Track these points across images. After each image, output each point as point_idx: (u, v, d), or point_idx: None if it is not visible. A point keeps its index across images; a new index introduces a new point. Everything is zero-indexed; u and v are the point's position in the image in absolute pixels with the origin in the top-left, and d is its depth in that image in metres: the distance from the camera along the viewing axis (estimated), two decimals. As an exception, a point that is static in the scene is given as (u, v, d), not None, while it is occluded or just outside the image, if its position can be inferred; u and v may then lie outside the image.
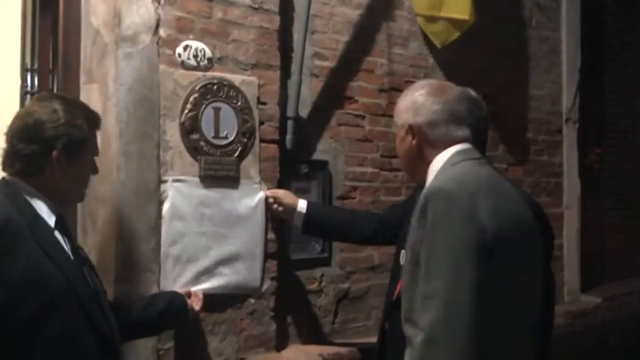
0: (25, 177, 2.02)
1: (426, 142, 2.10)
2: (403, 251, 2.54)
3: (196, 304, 2.69)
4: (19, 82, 3.03)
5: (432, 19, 3.72)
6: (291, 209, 2.98)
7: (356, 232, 3.04)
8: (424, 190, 1.95)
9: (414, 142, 2.11)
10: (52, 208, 2.04)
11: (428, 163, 2.10)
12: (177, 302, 2.59)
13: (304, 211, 2.96)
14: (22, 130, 2.01)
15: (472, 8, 3.71)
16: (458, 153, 2.06)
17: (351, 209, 3.47)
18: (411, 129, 2.11)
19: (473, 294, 1.78)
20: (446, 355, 1.77)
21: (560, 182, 4.86)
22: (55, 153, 2.01)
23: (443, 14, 3.65)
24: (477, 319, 1.77)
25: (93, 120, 2.15)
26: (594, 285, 5.24)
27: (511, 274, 1.89)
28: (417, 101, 2.11)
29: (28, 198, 2.00)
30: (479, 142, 2.16)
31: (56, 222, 2.04)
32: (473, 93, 2.29)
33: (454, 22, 3.72)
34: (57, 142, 2.01)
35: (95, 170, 2.21)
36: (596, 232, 5.39)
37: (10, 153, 2.02)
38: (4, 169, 2.06)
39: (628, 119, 5.88)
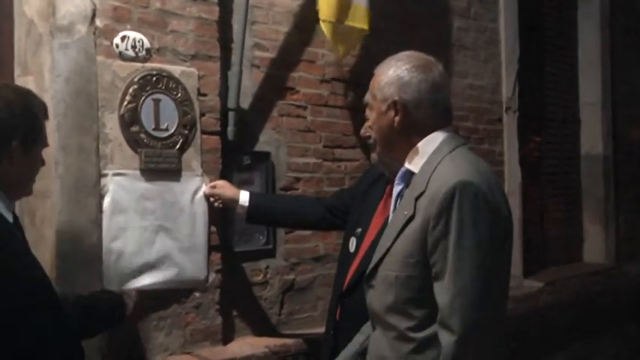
0: None
1: (410, 122, 2.01)
2: (353, 238, 2.59)
3: (131, 300, 2.57)
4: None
5: (337, 27, 3.46)
6: (233, 201, 2.96)
7: (301, 218, 3.04)
8: (444, 183, 1.85)
9: (396, 118, 2.02)
10: (8, 204, 1.96)
11: (411, 144, 2.03)
12: (114, 302, 2.45)
13: (246, 203, 2.93)
14: None
15: (369, 18, 3.58)
16: (450, 137, 2.02)
17: (296, 196, 3.48)
18: (395, 105, 2.01)
19: (502, 290, 1.89)
20: (479, 354, 1.82)
21: (502, 170, 4.92)
22: (13, 144, 1.92)
23: (348, 23, 3.47)
24: (503, 312, 1.90)
25: (44, 110, 2.08)
26: (536, 270, 5.34)
27: (510, 257, 1.99)
28: (403, 76, 2.01)
29: None
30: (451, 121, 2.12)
31: (14, 219, 1.98)
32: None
33: (356, 32, 3.57)
34: (16, 132, 1.93)
35: (43, 162, 2.13)
36: (536, 219, 5.50)
37: None
38: None
39: (566, 107, 6.00)
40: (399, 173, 2.07)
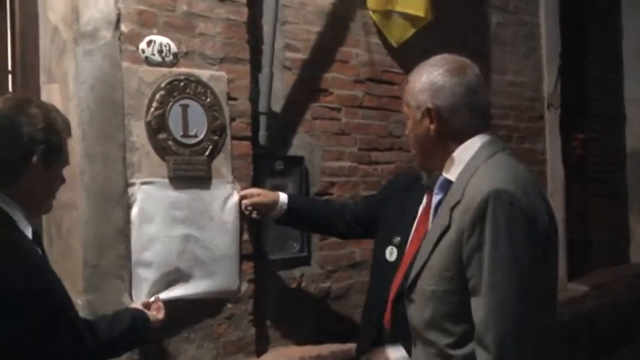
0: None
1: (446, 129, 1.94)
2: (392, 247, 2.53)
3: (159, 313, 2.54)
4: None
5: (386, 15, 3.50)
6: (272, 205, 2.87)
7: (327, 225, 2.98)
8: (479, 192, 1.78)
9: (432, 126, 1.95)
10: (28, 220, 1.93)
11: (448, 152, 1.95)
12: (139, 320, 2.40)
13: (285, 206, 2.86)
14: None
15: (428, 5, 3.53)
16: (488, 143, 1.93)
17: (325, 200, 3.37)
18: (429, 113, 1.94)
19: (539, 304, 1.76)
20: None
21: (544, 170, 4.78)
22: (34, 159, 1.89)
23: (398, 9, 3.43)
24: (547, 324, 1.80)
25: (67, 127, 2.05)
26: (581, 273, 5.17)
27: (554, 268, 1.91)
28: (436, 82, 1.93)
29: (4, 207, 1.88)
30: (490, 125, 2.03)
31: (33, 234, 1.93)
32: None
33: (409, 19, 3.51)
34: (37, 147, 1.89)
35: (63, 180, 2.09)
36: (581, 219, 5.33)
37: None
38: None
39: (611, 103, 5.80)
40: (438, 182, 2.02)
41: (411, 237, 2.45)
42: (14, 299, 1.73)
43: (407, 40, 3.64)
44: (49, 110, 1.97)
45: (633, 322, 5.20)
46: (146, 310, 2.48)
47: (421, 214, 2.43)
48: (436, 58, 2.00)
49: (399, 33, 3.58)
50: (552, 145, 4.83)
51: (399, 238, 2.51)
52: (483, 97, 1.99)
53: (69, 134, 2.06)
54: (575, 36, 5.28)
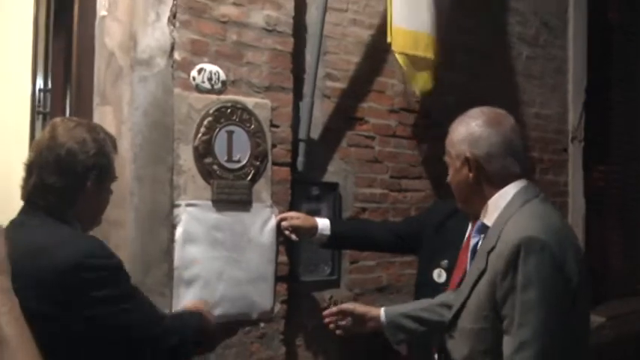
0: (57, 209, 1.97)
1: (484, 177, 2.05)
2: (440, 270, 2.70)
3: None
4: (29, 102, 3.02)
5: (412, 60, 3.36)
6: (311, 230, 2.99)
7: (374, 242, 3.13)
8: (511, 239, 1.88)
9: (471, 174, 2.06)
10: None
11: (486, 198, 2.07)
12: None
13: (328, 231, 2.98)
14: (53, 163, 1.95)
15: (435, 46, 3.41)
16: (523, 190, 2.04)
17: (366, 220, 3.50)
18: (468, 161, 2.06)
19: (573, 345, 1.87)
20: None
21: (566, 201, 4.86)
22: (88, 184, 1.99)
23: (419, 53, 3.34)
24: None
25: (114, 145, 2.14)
26: (597, 304, 5.23)
27: (585, 315, 2.01)
28: (474, 132, 2.05)
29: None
30: (527, 172, 2.14)
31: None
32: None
33: (425, 61, 3.41)
34: (90, 173, 1.99)
35: (111, 191, 2.18)
36: (599, 251, 5.40)
37: (39, 186, 1.95)
38: (30, 202, 1.99)
39: (633, 137, 5.89)
40: (476, 226, 2.15)
41: (457, 265, 2.56)
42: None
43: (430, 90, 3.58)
44: (97, 133, 2.06)
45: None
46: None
47: (464, 246, 2.54)
48: (474, 111, 2.12)
49: (423, 79, 3.50)
50: (575, 177, 4.91)
51: (446, 261, 2.67)
52: (519, 146, 2.09)
53: (116, 152, 2.15)
54: (600, 71, 5.36)
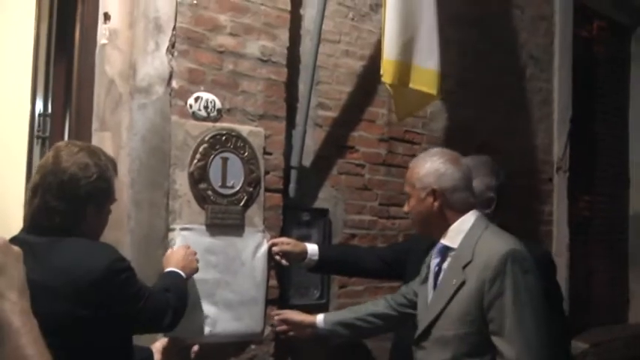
0: (61, 229, 2.06)
1: (446, 205, 2.39)
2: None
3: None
4: (27, 126, 3.09)
5: (401, 90, 3.39)
6: (301, 255, 3.08)
7: (363, 268, 3.25)
8: (495, 252, 2.22)
9: (435, 204, 2.39)
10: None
11: (448, 224, 2.39)
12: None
13: (316, 256, 3.08)
14: (57, 188, 2.05)
15: (439, 83, 3.47)
16: (480, 217, 2.41)
17: (353, 246, 3.59)
18: (434, 193, 2.39)
19: (549, 338, 2.21)
20: None
21: (550, 230, 4.95)
22: (89, 208, 2.10)
23: (412, 86, 3.37)
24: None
25: (114, 167, 2.24)
26: (581, 331, 5.32)
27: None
28: (439, 168, 2.39)
29: None
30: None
31: None
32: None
33: (421, 95, 3.46)
34: (92, 197, 2.10)
35: (110, 211, 2.28)
36: (583, 279, 5.49)
37: (43, 209, 2.05)
38: (34, 222, 2.08)
39: (616, 167, 6.01)
40: (436, 249, 2.45)
41: None
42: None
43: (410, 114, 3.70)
44: (99, 158, 2.16)
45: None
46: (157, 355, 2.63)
47: None
48: (434, 151, 2.51)
49: (407, 109, 3.57)
50: (559, 206, 5.01)
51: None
52: (471, 183, 2.46)
53: (116, 174, 2.25)
54: (584, 101, 5.50)
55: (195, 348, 2.78)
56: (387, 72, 3.31)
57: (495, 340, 2.19)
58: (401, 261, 3.07)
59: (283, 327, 3.09)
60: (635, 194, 6.11)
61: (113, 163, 2.24)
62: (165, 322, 2.30)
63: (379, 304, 2.95)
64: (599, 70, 5.85)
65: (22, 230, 2.11)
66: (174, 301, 2.37)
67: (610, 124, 5.98)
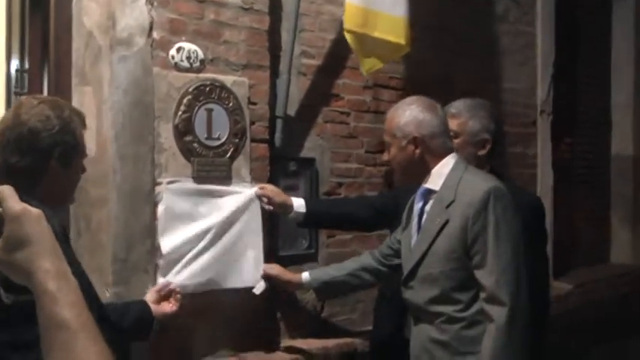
0: (23, 190, 1.97)
1: (427, 151, 2.47)
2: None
3: (173, 305, 2.60)
4: (4, 83, 3.02)
5: (362, 39, 3.24)
6: (283, 207, 3.03)
7: (354, 220, 3.23)
8: (478, 190, 2.32)
9: (417, 151, 2.46)
10: (55, 218, 1.98)
11: (429, 168, 2.48)
12: (146, 314, 2.50)
13: (303, 209, 3.03)
14: (15, 142, 1.93)
15: (408, 33, 3.32)
16: (460, 160, 2.50)
17: (343, 198, 3.57)
18: (415, 140, 2.45)
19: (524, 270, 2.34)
20: (526, 320, 2.29)
21: (535, 173, 4.97)
22: (52, 163, 1.97)
23: (377, 34, 3.22)
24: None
25: (82, 121, 2.11)
26: (564, 272, 5.39)
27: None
28: (418, 116, 2.47)
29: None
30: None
31: (62, 233, 1.99)
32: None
33: (388, 46, 3.31)
34: (54, 150, 1.97)
35: (84, 169, 2.18)
36: (567, 220, 5.54)
37: (3, 167, 1.94)
38: None
39: (599, 110, 6.02)
40: (418, 192, 2.55)
41: None
42: None
43: (379, 69, 3.52)
44: (62, 110, 2.02)
45: (613, 319, 5.41)
46: (152, 305, 2.55)
47: None
48: (411, 99, 2.57)
49: (372, 62, 3.40)
50: (543, 149, 5.02)
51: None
52: (447, 128, 2.56)
53: (84, 127, 2.11)
54: (567, 45, 5.47)
55: (176, 288, 2.66)
56: (350, 18, 3.20)
57: (477, 272, 2.31)
58: (391, 208, 3.04)
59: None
60: (616, 136, 6.14)
61: (81, 117, 2.10)
62: None
63: (365, 259, 3.00)
64: (582, 14, 5.81)
65: None
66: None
67: (592, 67, 5.97)
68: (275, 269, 3.05)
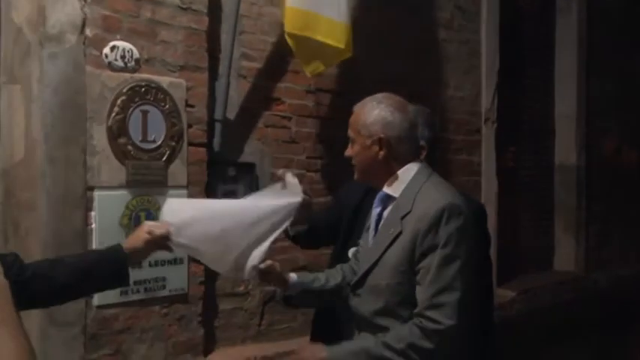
0: None
1: (392, 155, 2.27)
2: (356, 248, 2.66)
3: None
4: None
5: (304, 42, 3.21)
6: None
7: (321, 235, 2.93)
8: (434, 204, 2.14)
9: (381, 152, 2.26)
10: None
11: (391, 173, 2.29)
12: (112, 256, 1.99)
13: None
14: None
15: (349, 38, 3.30)
16: (423, 167, 2.31)
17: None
18: (380, 141, 2.26)
19: (472, 293, 2.17)
20: (460, 337, 2.13)
21: (479, 180, 4.97)
22: None
23: (319, 38, 3.19)
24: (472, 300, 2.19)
25: None
26: (508, 279, 5.41)
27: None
28: (386, 116, 2.26)
29: None
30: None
31: None
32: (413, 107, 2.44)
33: (329, 50, 3.29)
34: None
35: None
36: (510, 228, 5.56)
37: None
38: None
39: (542, 119, 6.08)
40: (378, 197, 2.35)
41: None
42: None
43: (322, 72, 3.49)
44: None
45: (556, 326, 5.45)
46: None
47: None
48: (381, 96, 2.34)
49: (315, 65, 3.37)
50: (488, 157, 5.03)
51: (361, 240, 2.67)
52: (418, 132, 2.38)
53: None
54: (511, 54, 5.50)
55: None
56: (290, 21, 3.16)
57: (417, 288, 2.16)
58: (340, 219, 2.88)
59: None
60: (559, 145, 6.19)
61: None
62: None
63: (337, 276, 2.62)
64: (526, 23, 5.86)
65: None
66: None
67: (536, 76, 6.02)
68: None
